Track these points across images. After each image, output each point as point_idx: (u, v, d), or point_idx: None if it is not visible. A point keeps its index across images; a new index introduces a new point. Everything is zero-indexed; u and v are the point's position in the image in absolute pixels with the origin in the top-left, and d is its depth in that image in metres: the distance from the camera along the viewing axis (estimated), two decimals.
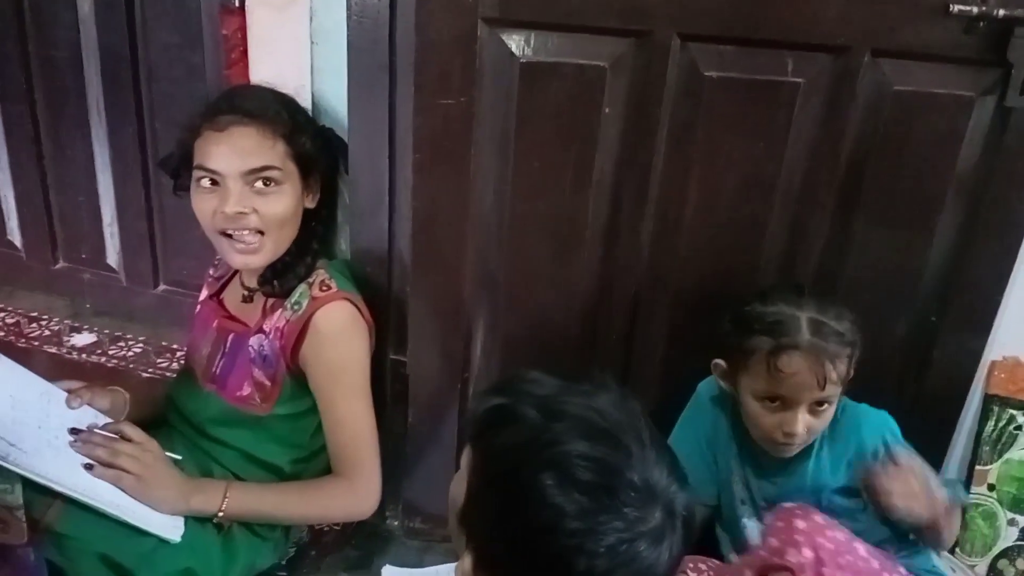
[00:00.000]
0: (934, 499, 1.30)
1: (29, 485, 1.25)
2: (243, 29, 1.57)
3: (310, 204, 1.49)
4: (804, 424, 1.31)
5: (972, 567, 1.64)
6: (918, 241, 1.48)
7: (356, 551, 1.73)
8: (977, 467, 1.62)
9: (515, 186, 1.49)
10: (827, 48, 1.38)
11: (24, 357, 1.85)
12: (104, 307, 2.38)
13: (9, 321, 2.36)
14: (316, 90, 1.56)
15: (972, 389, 1.59)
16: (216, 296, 1.60)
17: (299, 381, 1.48)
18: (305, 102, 1.54)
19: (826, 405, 1.32)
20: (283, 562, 1.62)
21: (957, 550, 1.64)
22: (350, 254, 1.64)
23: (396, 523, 1.79)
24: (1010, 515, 1.63)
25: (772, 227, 1.50)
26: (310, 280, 1.47)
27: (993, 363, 1.58)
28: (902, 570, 1.32)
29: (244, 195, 1.39)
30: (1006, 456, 1.60)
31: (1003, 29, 1.31)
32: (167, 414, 1.59)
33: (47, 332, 2.33)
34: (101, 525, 1.30)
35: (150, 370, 2.22)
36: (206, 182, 1.40)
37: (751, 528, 1.45)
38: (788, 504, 1.34)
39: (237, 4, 1.55)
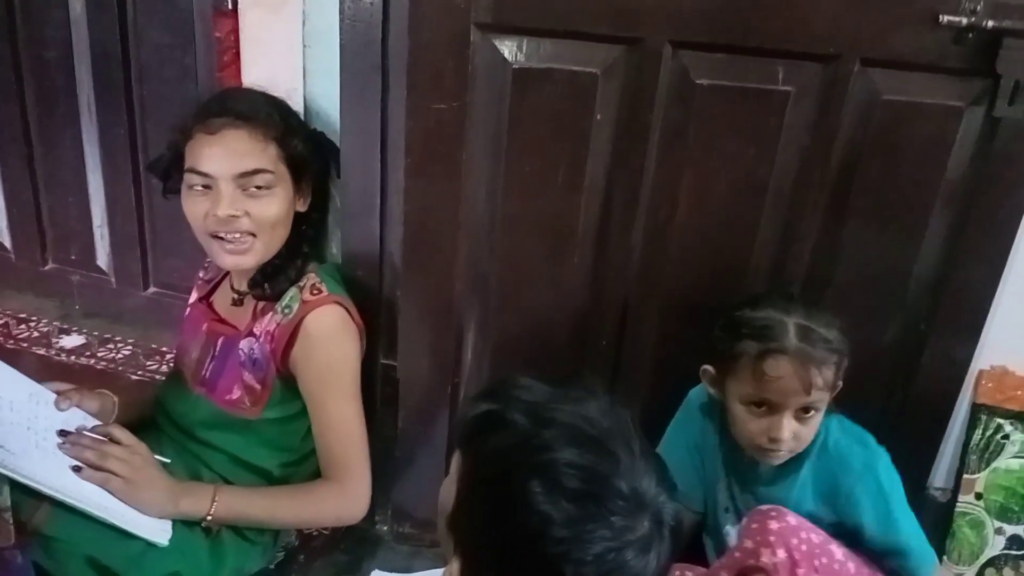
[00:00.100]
0: None
1: (16, 487, 1.24)
2: (236, 31, 1.56)
3: (301, 207, 1.49)
4: (790, 430, 1.31)
5: None
6: (907, 249, 1.49)
7: (345, 555, 1.73)
8: (965, 476, 1.62)
9: (507, 191, 1.50)
10: (817, 57, 1.38)
11: (12, 359, 1.83)
12: (93, 309, 2.37)
13: None
14: (308, 93, 1.56)
15: (960, 398, 1.60)
16: (206, 299, 1.60)
17: (289, 385, 1.48)
18: (297, 105, 1.54)
19: (812, 412, 1.32)
20: (271, 566, 1.62)
21: (944, 558, 1.65)
22: (341, 257, 1.64)
23: (385, 527, 1.79)
24: (997, 524, 1.63)
25: (762, 233, 1.50)
26: (301, 284, 1.47)
27: (981, 372, 1.58)
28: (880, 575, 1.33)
29: (236, 198, 1.39)
30: (993, 465, 1.61)
31: (992, 40, 1.32)
32: (156, 417, 1.59)
33: (36, 334, 2.31)
34: (88, 528, 1.30)
35: (139, 372, 2.21)
36: (198, 185, 1.40)
37: (733, 536, 1.45)
38: (763, 506, 1.34)
39: (230, 6, 1.55)
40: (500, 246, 1.54)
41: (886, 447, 1.39)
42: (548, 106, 1.43)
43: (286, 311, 1.45)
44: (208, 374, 1.53)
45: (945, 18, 1.30)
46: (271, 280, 1.47)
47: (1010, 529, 1.63)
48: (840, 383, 1.34)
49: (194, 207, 1.41)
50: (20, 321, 2.35)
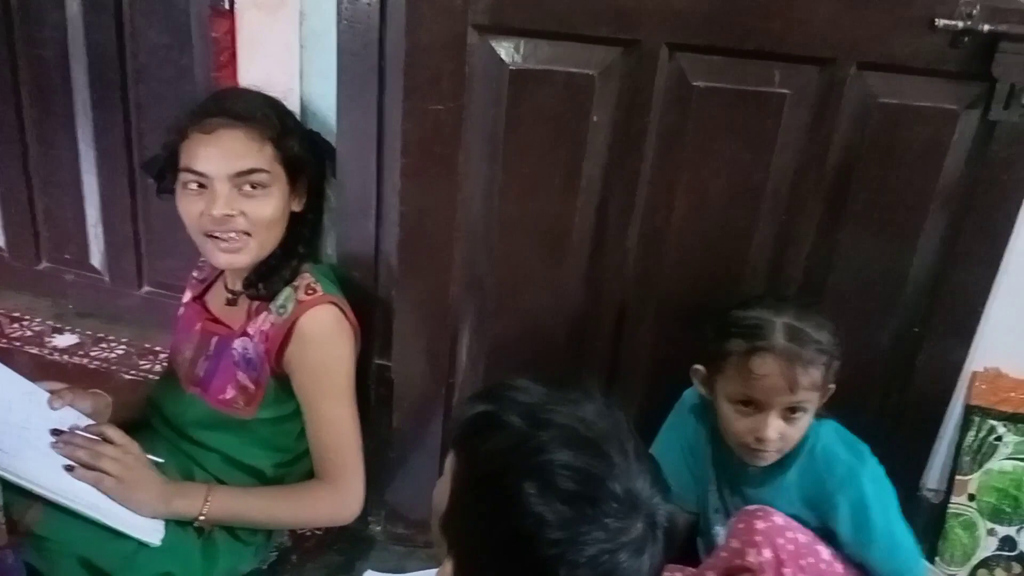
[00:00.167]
0: None
1: (8, 487, 1.24)
2: (233, 31, 1.56)
3: (297, 207, 1.49)
4: (776, 429, 1.31)
5: None
6: (902, 252, 1.49)
7: (338, 556, 1.72)
8: (958, 477, 1.63)
9: (503, 192, 1.50)
10: (814, 60, 1.39)
11: (6, 358, 1.83)
12: (87, 308, 2.36)
13: None
14: (305, 93, 1.56)
15: (953, 399, 1.60)
16: (200, 298, 1.59)
17: (283, 385, 1.47)
18: (294, 105, 1.54)
19: (800, 413, 1.32)
20: (264, 567, 1.61)
21: (937, 559, 1.65)
22: (336, 258, 1.64)
23: (379, 528, 1.79)
24: (990, 525, 1.64)
25: (758, 236, 1.51)
26: (295, 284, 1.47)
27: (975, 374, 1.59)
28: None
29: (231, 197, 1.38)
30: (986, 466, 1.62)
31: (987, 43, 1.33)
32: (149, 417, 1.58)
33: (29, 333, 2.31)
34: (81, 528, 1.29)
35: (133, 372, 2.20)
36: (193, 184, 1.40)
37: (722, 537, 1.45)
38: (750, 506, 1.35)
39: (227, 6, 1.55)
40: (496, 247, 1.54)
41: (880, 449, 1.40)
42: (545, 108, 1.43)
43: (280, 311, 1.45)
44: (202, 374, 1.52)
45: (941, 22, 1.31)
46: (265, 280, 1.46)
47: (1002, 530, 1.64)
48: (832, 386, 1.34)
49: (189, 206, 1.41)
50: (13, 320, 2.34)
